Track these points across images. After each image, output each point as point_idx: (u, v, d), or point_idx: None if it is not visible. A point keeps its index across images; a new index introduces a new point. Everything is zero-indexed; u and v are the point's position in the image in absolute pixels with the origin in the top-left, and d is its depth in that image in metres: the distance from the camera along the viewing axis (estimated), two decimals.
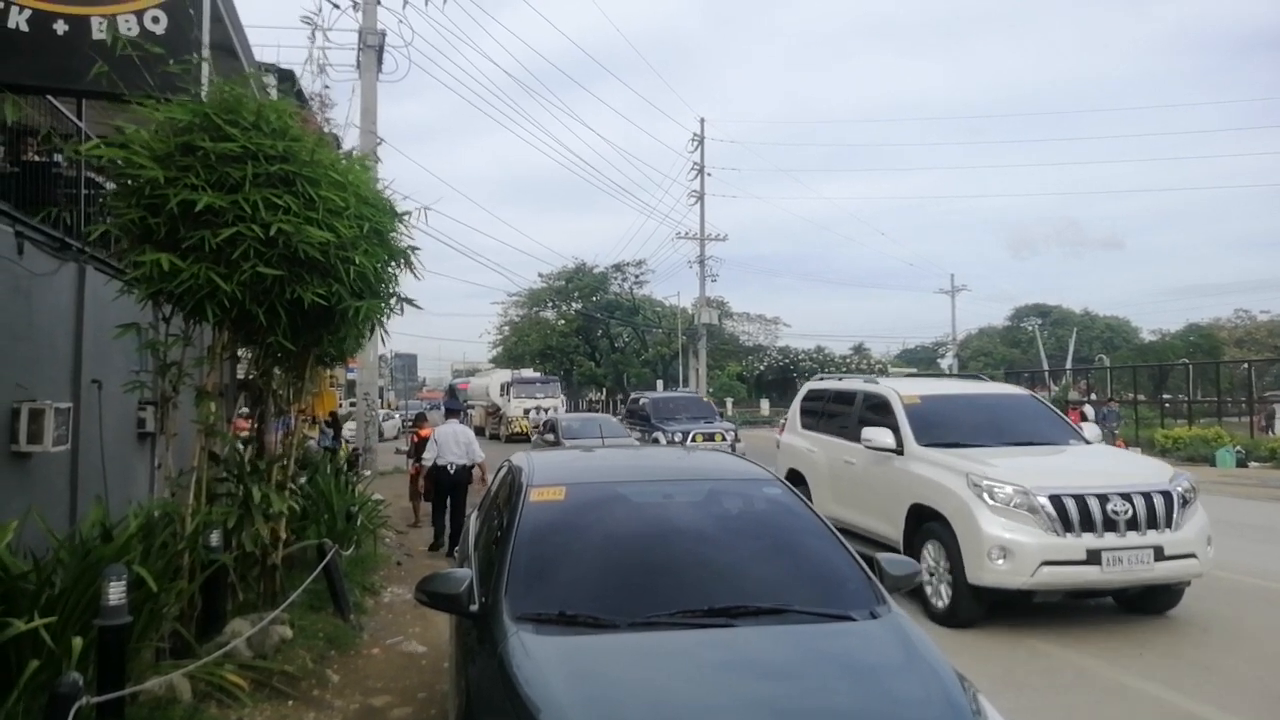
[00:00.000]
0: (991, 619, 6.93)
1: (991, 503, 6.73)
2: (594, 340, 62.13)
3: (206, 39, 6.45)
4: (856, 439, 8.53)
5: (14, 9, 6.07)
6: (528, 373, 44.70)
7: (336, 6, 18.83)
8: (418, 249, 6.67)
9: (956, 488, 7.01)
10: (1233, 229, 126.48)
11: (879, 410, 8.61)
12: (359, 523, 8.96)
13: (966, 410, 8.53)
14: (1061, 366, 47.71)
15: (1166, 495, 6.72)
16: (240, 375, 7.82)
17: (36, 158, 7.69)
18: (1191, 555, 6.65)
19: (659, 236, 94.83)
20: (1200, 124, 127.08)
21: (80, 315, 7.53)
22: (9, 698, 3.88)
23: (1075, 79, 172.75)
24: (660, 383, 50.73)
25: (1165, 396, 34.88)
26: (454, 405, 15.01)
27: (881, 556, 3.82)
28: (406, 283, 6.79)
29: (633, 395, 29.84)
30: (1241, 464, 20.80)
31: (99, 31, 6.09)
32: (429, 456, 11.06)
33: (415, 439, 13.49)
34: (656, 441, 19.06)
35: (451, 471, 10.80)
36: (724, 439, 20.11)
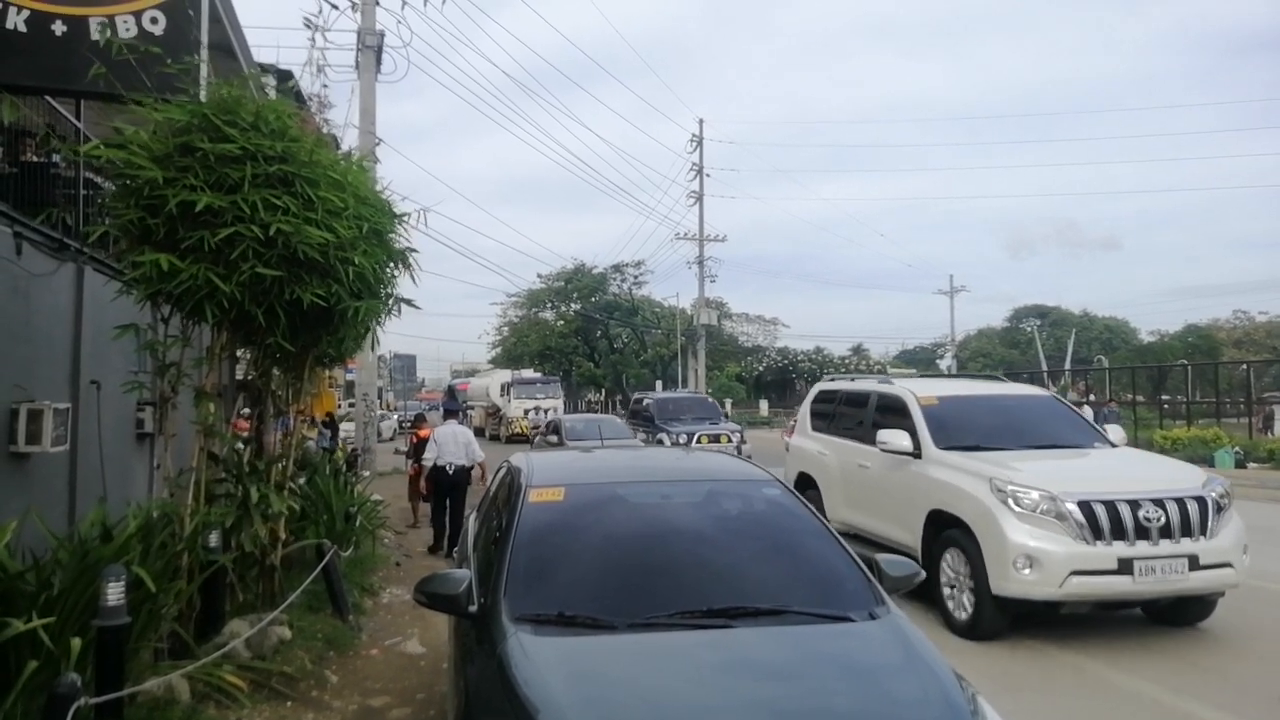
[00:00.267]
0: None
1: (1017, 509, 6.43)
2: (593, 341, 62.13)
3: (205, 39, 6.45)
4: (870, 441, 8.27)
5: (12, 10, 6.06)
6: (528, 373, 44.66)
7: (335, 7, 18.85)
8: (415, 251, 6.68)
9: (979, 493, 6.72)
10: (1231, 230, 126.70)
11: (894, 412, 8.31)
12: (358, 523, 8.96)
13: (986, 412, 8.22)
14: (1060, 367, 47.72)
15: (1200, 501, 6.44)
16: (239, 376, 7.82)
17: (35, 158, 7.69)
18: (1227, 565, 6.38)
19: (658, 237, 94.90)
20: (1199, 125, 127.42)
21: (79, 316, 7.53)
22: (7, 698, 3.87)
23: (1074, 79, 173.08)
24: (659, 383, 50.71)
25: (1164, 397, 34.88)
26: (452, 406, 15.03)
27: (881, 557, 3.82)
28: (405, 284, 6.80)
29: (636, 395, 29.25)
30: (1240, 465, 20.80)
31: (97, 32, 6.08)
32: (429, 457, 11.05)
33: (414, 439, 13.49)
34: (661, 443, 18.59)
35: (450, 472, 10.79)
36: (730, 440, 19.59)
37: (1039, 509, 6.37)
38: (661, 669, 2.95)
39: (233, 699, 4.88)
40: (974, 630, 6.63)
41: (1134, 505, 6.29)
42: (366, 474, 15.48)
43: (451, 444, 10.94)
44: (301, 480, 8.36)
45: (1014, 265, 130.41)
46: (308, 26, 17.97)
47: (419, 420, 14.85)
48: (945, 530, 7.08)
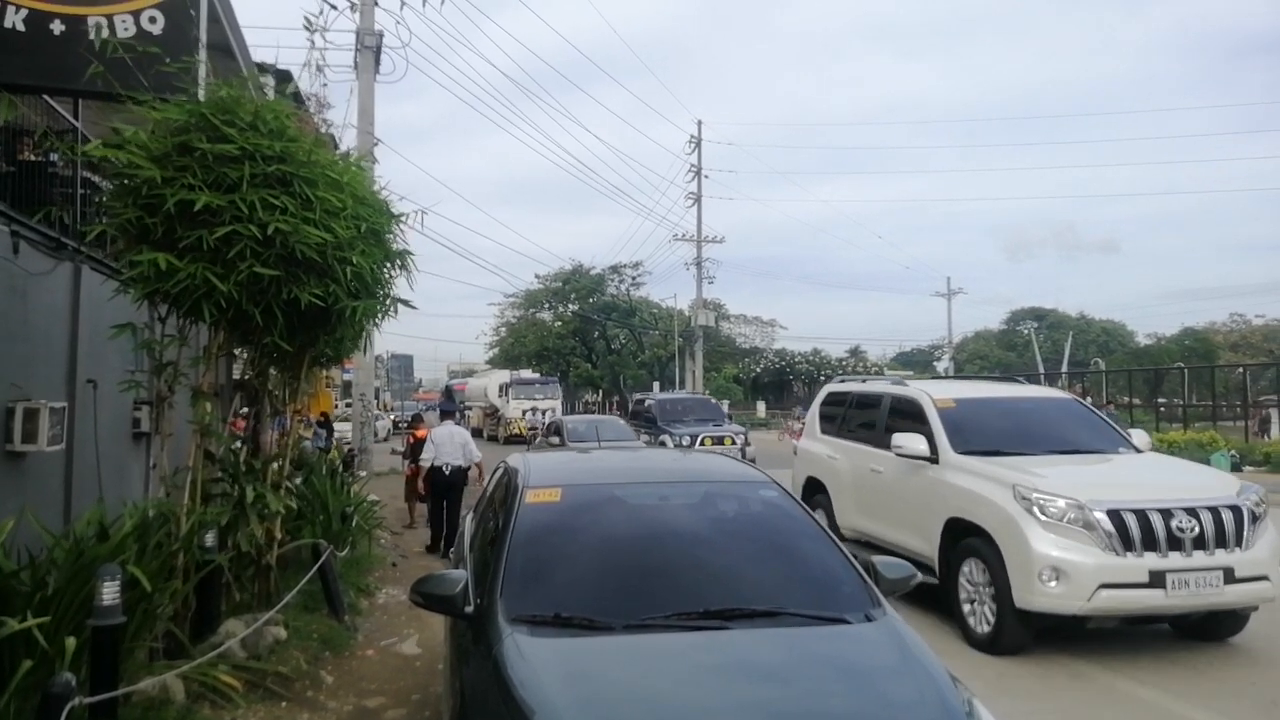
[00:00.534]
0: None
1: (1043, 518, 6.13)
2: (590, 342, 62.08)
3: (204, 39, 6.45)
4: (883, 445, 7.98)
5: (10, 8, 6.06)
6: (527, 373, 44.58)
7: (334, 7, 18.80)
8: (411, 254, 6.67)
9: (1001, 500, 6.42)
10: (1228, 233, 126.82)
11: (909, 415, 8.01)
12: (354, 523, 8.96)
13: (1005, 415, 7.89)
14: (1057, 370, 47.79)
15: (1235, 510, 6.14)
16: (236, 375, 7.81)
17: (32, 157, 7.68)
18: (1264, 578, 6.06)
19: (656, 238, 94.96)
20: (1196, 128, 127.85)
21: (76, 315, 7.52)
22: (1, 698, 3.86)
23: (1072, 82, 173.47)
24: (657, 384, 50.70)
25: (1160, 400, 34.92)
26: (448, 407, 14.94)
27: (877, 559, 3.82)
28: (402, 286, 6.81)
29: (637, 396, 28.94)
30: (1236, 468, 20.81)
31: (95, 32, 6.08)
32: (426, 458, 11.06)
33: (411, 440, 13.49)
34: (663, 445, 18.12)
35: (447, 472, 10.79)
36: (734, 443, 19.19)
37: (1066, 518, 6.09)
38: (657, 670, 2.95)
39: (228, 699, 4.87)
40: (995, 644, 6.35)
41: (1166, 514, 6.01)
42: (363, 474, 15.47)
43: (448, 444, 10.94)
44: (298, 480, 8.36)
45: (1012, 268, 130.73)
46: (307, 29, 17.94)
47: (416, 420, 14.86)
48: (964, 539, 6.80)
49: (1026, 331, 68.13)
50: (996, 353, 73.97)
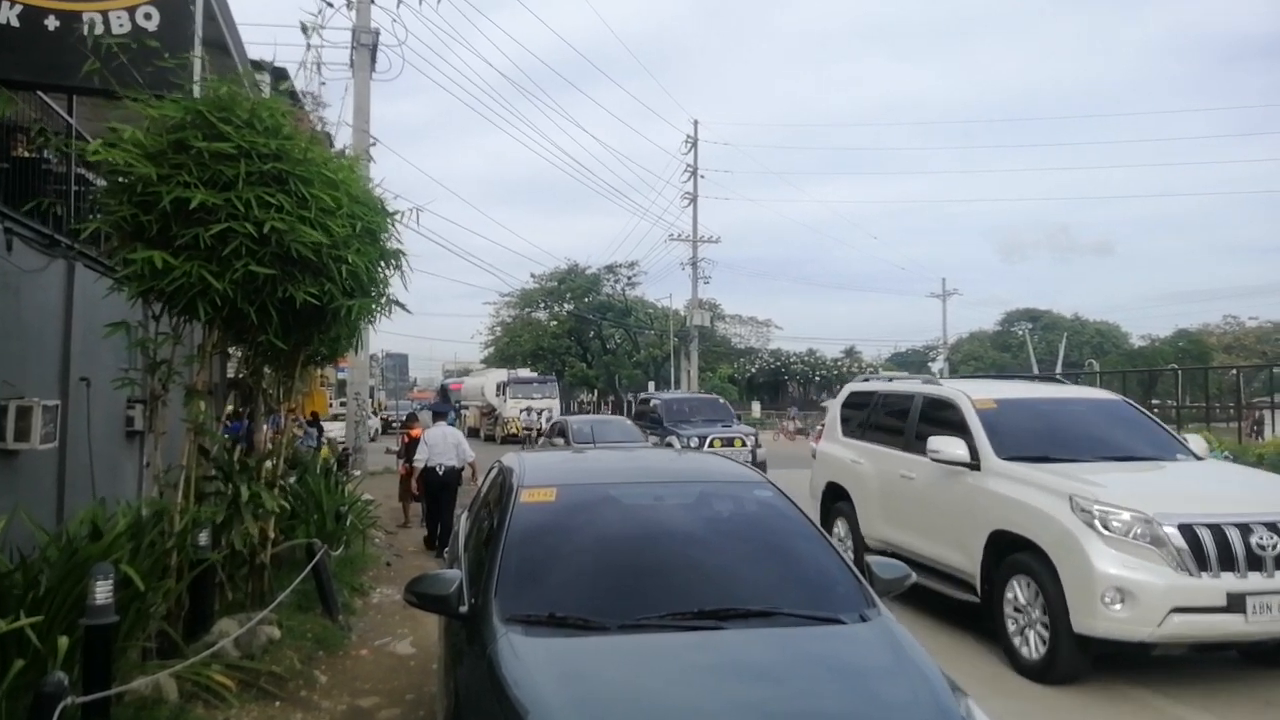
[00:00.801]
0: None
1: (1105, 533, 5.53)
2: (586, 341, 62.03)
3: (200, 36, 6.43)
4: (914, 449, 7.48)
5: (4, 4, 6.03)
6: (525, 372, 44.30)
7: (330, 4, 18.74)
8: (405, 254, 6.66)
9: (1056, 513, 5.81)
10: (1222, 235, 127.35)
11: (944, 416, 7.41)
12: (348, 523, 8.94)
13: (1050, 417, 7.28)
14: (1051, 371, 47.84)
15: None
16: (230, 374, 7.79)
17: (26, 154, 7.65)
18: None
19: (652, 238, 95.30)
20: (1191, 130, 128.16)
21: (69, 312, 7.50)
22: None
23: (1068, 84, 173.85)
24: (652, 384, 50.66)
25: (1154, 402, 35.01)
26: (441, 408, 14.77)
27: (872, 560, 3.83)
28: (396, 285, 6.79)
29: (642, 396, 28.26)
30: None
31: (90, 28, 6.06)
32: (420, 458, 11.05)
33: (406, 439, 13.48)
34: (671, 447, 17.24)
35: (440, 473, 10.79)
36: (744, 445, 18.35)
37: (1132, 533, 5.49)
38: (651, 670, 2.95)
39: (221, 699, 4.86)
40: (1048, 672, 5.73)
41: (1244, 530, 5.40)
42: (357, 473, 15.45)
43: (442, 444, 10.95)
44: (292, 479, 8.34)
45: (1006, 269, 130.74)
46: (304, 32, 17.91)
47: (410, 420, 14.82)
48: (1011, 554, 6.20)
49: (1021, 332, 68.31)
50: (991, 354, 74.14)
